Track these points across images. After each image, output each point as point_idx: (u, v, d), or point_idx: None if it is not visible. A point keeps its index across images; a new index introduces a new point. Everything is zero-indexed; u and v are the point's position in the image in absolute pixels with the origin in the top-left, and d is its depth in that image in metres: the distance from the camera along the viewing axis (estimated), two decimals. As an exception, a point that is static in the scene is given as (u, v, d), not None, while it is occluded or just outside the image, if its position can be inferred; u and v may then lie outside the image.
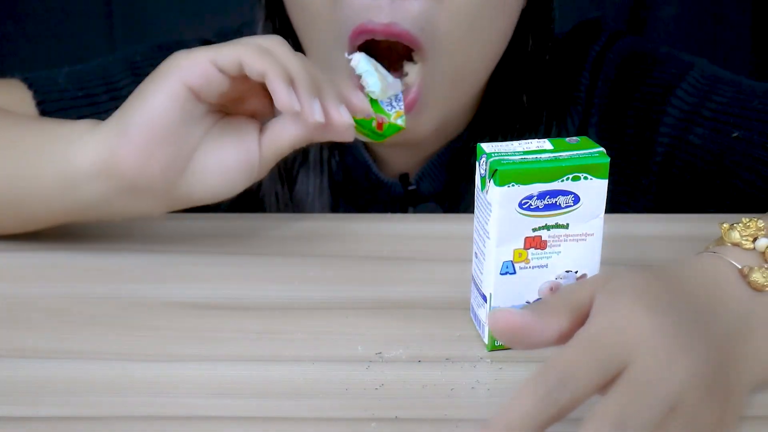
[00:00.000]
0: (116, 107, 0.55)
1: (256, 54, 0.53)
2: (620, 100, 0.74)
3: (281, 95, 0.53)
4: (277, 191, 0.76)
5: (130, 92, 0.57)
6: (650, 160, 0.73)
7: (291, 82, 0.54)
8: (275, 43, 0.55)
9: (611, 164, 0.49)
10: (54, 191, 0.57)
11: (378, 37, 0.63)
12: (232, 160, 0.57)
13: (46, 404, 0.47)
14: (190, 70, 0.54)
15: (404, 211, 0.77)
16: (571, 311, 0.40)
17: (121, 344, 0.52)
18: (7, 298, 0.57)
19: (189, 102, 0.54)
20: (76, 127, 0.58)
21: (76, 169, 0.56)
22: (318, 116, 0.54)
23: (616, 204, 0.68)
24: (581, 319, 0.39)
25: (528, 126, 0.74)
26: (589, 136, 0.73)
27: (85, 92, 0.73)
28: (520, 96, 0.74)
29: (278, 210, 0.76)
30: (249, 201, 0.75)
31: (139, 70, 0.75)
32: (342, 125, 0.55)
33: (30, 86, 0.73)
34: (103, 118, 0.57)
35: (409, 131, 0.64)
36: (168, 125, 0.54)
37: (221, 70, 0.54)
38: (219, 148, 0.57)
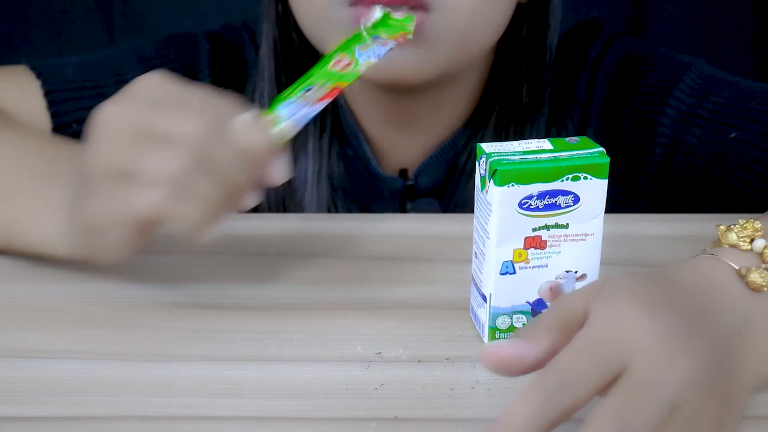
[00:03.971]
0: None
1: (174, 200, 0.46)
2: (618, 101, 0.74)
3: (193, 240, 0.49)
4: None
5: None
6: (648, 161, 0.73)
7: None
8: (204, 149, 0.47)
9: (609, 164, 0.49)
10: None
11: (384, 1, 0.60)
12: None
13: (46, 404, 0.47)
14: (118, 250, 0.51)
15: (402, 205, 0.77)
16: (563, 327, 0.40)
17: (121, 344, 0.52)
18: (7, 298, 0.57)
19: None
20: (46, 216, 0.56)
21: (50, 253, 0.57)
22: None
23: (613, 204, 0.68)
24: (574, 333, 0.39)
25: (527, 125, 0.74)
26: (588, 137, 0.73)
27: (92, 83, 0.74)
28: (518, 94, 0.74)
29: (274, 193, 0.75)
30: None
31: (148, 62, 0.76)
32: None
33: (38, 75, 0.73)
34: None
35: (410, 68, 0.63)
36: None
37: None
38: None
